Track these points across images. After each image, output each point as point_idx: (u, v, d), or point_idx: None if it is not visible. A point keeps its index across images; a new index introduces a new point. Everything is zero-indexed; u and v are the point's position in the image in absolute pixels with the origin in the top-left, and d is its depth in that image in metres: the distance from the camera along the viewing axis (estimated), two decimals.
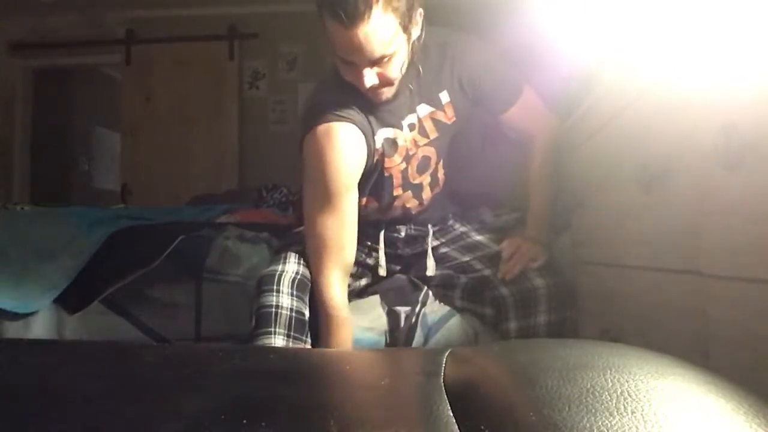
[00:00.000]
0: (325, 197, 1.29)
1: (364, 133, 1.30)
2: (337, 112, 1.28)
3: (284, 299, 1.28)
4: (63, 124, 5.07)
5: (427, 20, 1.36)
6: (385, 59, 1.18)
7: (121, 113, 4.18)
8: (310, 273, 1.34)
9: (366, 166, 1.34)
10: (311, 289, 1.34)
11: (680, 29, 0.77)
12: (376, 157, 1.36)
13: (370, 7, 1.10)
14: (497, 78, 1.38)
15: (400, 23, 1.16)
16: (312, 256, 1.34)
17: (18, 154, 4.22)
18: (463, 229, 1.54)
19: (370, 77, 1.20)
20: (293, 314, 1.28)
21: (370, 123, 1.32)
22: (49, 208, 2.53)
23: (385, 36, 1.14)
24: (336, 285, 1.31)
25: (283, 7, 3.75)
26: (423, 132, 1.38)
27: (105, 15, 4.00)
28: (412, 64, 1.30)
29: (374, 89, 1.23)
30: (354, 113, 1.29)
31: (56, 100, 4.84)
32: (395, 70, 1.22)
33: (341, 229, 1.30)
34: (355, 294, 1.54)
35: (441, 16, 1.97)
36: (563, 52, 1.48)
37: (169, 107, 3.97)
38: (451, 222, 1.56)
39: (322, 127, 1.28)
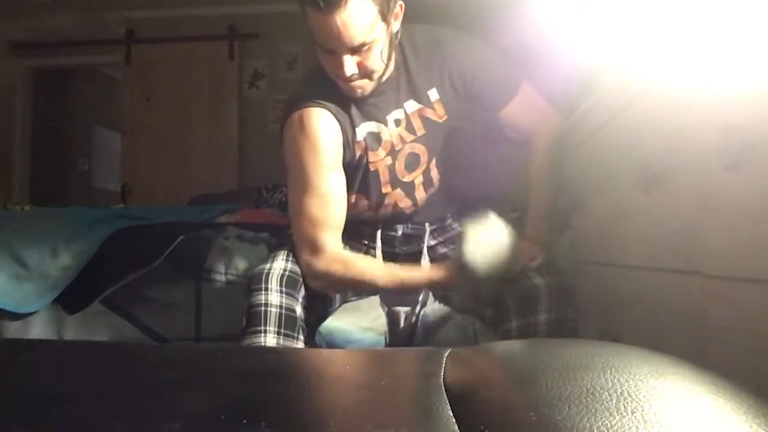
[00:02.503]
0: (306, 179, 1.29)
1: (339, 120, 1.32)
2: (312, 100, 1.31)
3: (273, 297, 1.27)
4: (63, 124, 5.07)
5: (425, 19, 1.36)
6: (365, 48, 1.19)
7: (121, 113, 4.17)
8: (300, 266, 1.33)
9: (346, 156, 1.34)
10: (305, 284, 1.34)
11: (680, 30, 0.77)
12: (359, 152, 1.36)
13: None
14: (492, 74, 1.37)
15: (379, 11, 1.17)
16: (300, 239, 1.32)
17: (18, 154, 4.22)
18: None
19: (349, 65, 1.21)
20: (283, 311, 1.27)
21: (350, 115, 1.33)
22: (49, 208, 2.53)
23: (363, 23, 1.16)
24: (333, 242, 1.30)
25: (283, 7, 3.74)
26: (410, 128, 1.38)
27: (105, 15, 4.00)
28: (398, 58, 1.31)
29: (353, 80, 1.24)
30: (329, 101, 1.31)
31: (56, 100, 4.84)
32: (374, 60, 1.23)
33: (326, 206, 1.29)
34: (351, 292, 1.54)
35: (441, 15, 1.97)
36: (563, 52, 1.48)
37: (169, 107, 3.96)
38: (449, 221, 1.56)
39: (297, 114, 1.31)
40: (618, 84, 1.06)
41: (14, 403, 0.44)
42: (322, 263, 1.30)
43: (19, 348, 0.70)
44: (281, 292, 1.29)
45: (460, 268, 1.17)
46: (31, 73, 4.32)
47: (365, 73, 1.24)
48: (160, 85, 3.98)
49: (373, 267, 1.33)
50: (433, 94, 1.36)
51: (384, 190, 1.42)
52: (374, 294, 1.53)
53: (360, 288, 1.36)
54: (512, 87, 1.39)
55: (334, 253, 1.30)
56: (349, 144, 1.34)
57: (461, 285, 1.23)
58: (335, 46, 1.18)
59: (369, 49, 1.20)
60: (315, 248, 1.30)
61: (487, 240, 1.15)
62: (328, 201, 1.30)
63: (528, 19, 1.84)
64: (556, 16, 1.57)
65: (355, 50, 1.19)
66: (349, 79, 1.23)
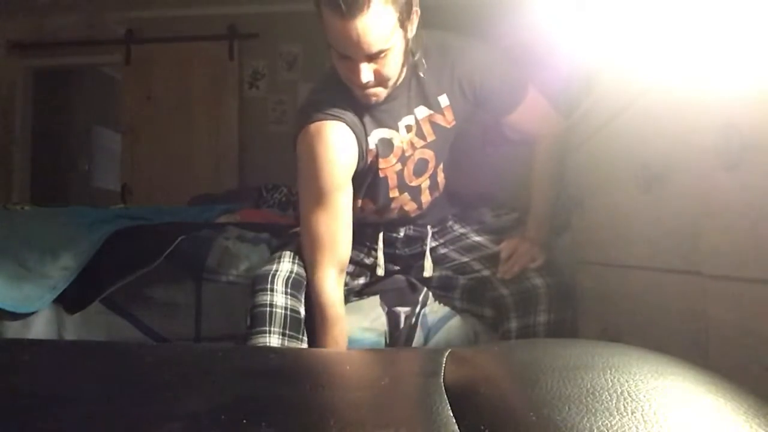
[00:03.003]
0: (318, 195, 1.29)
1: (355, 133, 1.30)
2: (329, 111, 1.29)
3: (278, 298, 1.28)
4: (63, 124, 5.07)
5: (428, 21, 1.35)
6: (382, 55, 1.17)
7: (121, 113, 4.17)
8: (306, 271, 1.34)
9: (358, 165, 1.34)
10: (307, 288, 1.34)
11: (680, 29, 0.77)
12: (370, 158, 1.36)
13: None
14: (500, 80, 1.37)
15: (398, 18, 1.15)
16: (306, 254, 1.34)
17: (18, 154, 4.22)
18: (462, 230, 1.54)
19: (366, 73, 1.19)
20: (288, 312, 1.27)
21: (363, 123, 1.32)
22: (49, 208, 2.53)
23: (383, 29, 1.14)
24: (330, 282, 1.31)
25: (283, 7, 3.74)
26: (420, 134, 1.37)
27: (105, 15, 4.00)
28: (410, 64, 1.30)
29: (369, 87, 1.23)
30: (346, 112, 1.29)
31: (56, 100, 4.84)
32: (391, 67, 1.21)
33: (334, 226, 1.30)
34: (353, 293, 1.54)
35: (441, 16, 1.97)
36: (563, 53, 1.48)
37: (169, 107, 3.96)
38: (450, 223, 1.56)
39: (313, 126, 1.28)
40: (618, 84, 1.06)
41: (14, 403, 0.44)
42: (314, 284, 1.31)
43: (19, 348, 0.70)
44: (286, 293, 1.29)
45: None
46: (31, 73, 4.32)
47: (381, 80, 1.22)
48: (160, 85, 3.98)
49: (334, 336, 1.30)
50: (444, 100, 1.35)
51: (391, 195, 1.42)
52: None
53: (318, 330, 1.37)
54: (521, 92, 1.38)
55: (329, 293, 1.30)
56: (363, 155, 1.33)
57: None
58: (353, 52, 1.16)
59: (386, 56, 1.18)
60: (314, 268, 1.31)
61: None
62: (337, 218, 1.30)
63: (528, 20, 1.84)
64: (556, 16, 1.57)
65: (373, 57, 1.17)
66: (365, 86, 1.22)
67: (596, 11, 1.26)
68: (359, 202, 1.41)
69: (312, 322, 1.35)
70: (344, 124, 1.29)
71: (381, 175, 1.38)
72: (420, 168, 1.41)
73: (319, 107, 1.30)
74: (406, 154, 1.38)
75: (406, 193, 1.43)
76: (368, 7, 1.09)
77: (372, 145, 1.34)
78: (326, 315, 1.30)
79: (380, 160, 1.36)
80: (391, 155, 1.37)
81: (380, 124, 1.34)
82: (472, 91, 1.35)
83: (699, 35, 0.71)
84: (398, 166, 1.38)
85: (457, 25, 1.50)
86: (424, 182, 1.44)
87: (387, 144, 1.35)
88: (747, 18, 0.60)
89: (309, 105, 1.33)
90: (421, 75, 1.32)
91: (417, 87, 1.33)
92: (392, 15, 1.14)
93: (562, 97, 1.46)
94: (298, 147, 1.32)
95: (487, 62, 1.36)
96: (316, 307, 1.31)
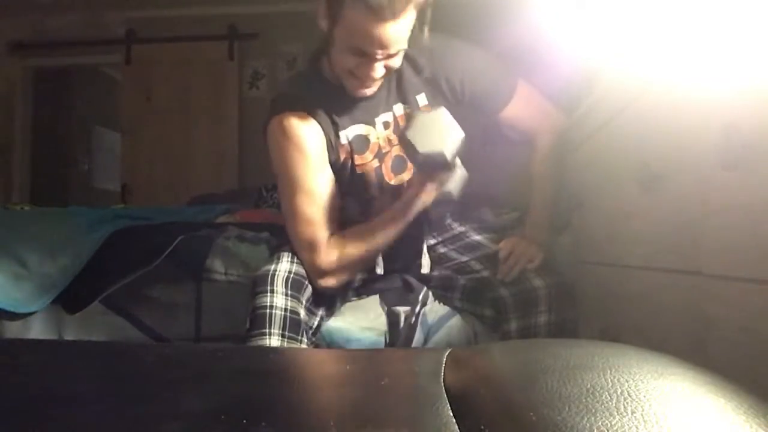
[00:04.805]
0: (294, 181, 1.31)
1: (319, 123, 1.33)
2: (292, 103, 1.32)
3: (278, 299, 1.27)
4: (63, 124, 5.07)
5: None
6: (396, 53, 1.21)
7: (121, 113, 4.17)
8: (305, 268, 1.34)
9: (330, 158, 1.36)
10: (311, 285, 1.34)
11: (680, 29, 0.77)
12: (343, 155, 1.37)
13: (410, 2, 1.13)
14: (484, 79, 1.38)
15: (417, 18, 1.20)
16: (298, 241, 1.34)
17: (18, 154, 4.22)
18: (461, 228, 1.54)
19: (380, 68, 1.23)
20: (287, 314, 1.27)
21: (337, 118, 1.34)
22: (49, 208, 2.53)
23: (406, 32, 1.18)
24: (329, 233, 1.33)
25: (283, 7, 3.74)
26: (397, 131, 1.39)
27: (105, 15, 4.00)
28: None
29: (377, 81, 1.26)
30: (311, 104, 1.33)
31: (56, 100, 4.84)
32: (397, 62, 1.25)
33: (317, 205, 1.32)
34: (352, 292, 1.54)
35: (441, 15, 1.96)
36: (564, 53, 1.48)
37: (169, 107, 3.96)
38: (449, 221, 1.56)
39: (275, 119, 1.32)
40: (618, 84, 1.06)
41: (14, 403, 0.44)
42: (323, 257, 1.31)
43: (19, 348, 0.70)
44: (286, 294, 1.29)
45: (407, 146, 1.22)
46: (31, 73, 4.32)
47: (386, 74, 1.26)
48: (160, 85, 3.98)
49: (362, 232, 1.35)
50: (422, 99, 1.37)
51: (372, 193, 1.42)
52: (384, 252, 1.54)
53: (368, 258, 1.38)
54: (507, 90, 1.39)
55: (329, 242, 1.32)
56: (332, 146, 1.35)
57: (420, 168, 1.29)
58: (375, 51, 1.19)
59: (398, 53, 1.22)
60: (313, 246, 1.31)
61: (431, 121, 1.20)
62: (318, 198, 1.32)
63: (529, 20, 1.84)
64: (557, 16, 1.57)
65: (391, 55, 1.21)
66: (374, 80, 1.25)
67: (596, 11, 1.27)
68: (341, 200, 1.42)
69: (315, 318, 1.35)
70: (306, 114, 1.32)
71: (359, 171, 1.39)
72: (398, 165, 1.42)
73: (285, 99, 1.34)
74: (383, 151, 1.39)
75: (387, 192, 1.43)
76: (404, 12, 1.13)
77: (344, 141, 1.35)
78: (342, 241, 1.32)
79: (356, 156, 1.37)
80: (367, 152, 1.38)
81: (356, 120, 1.36)
82: (453, 92, 1.37)
83: (699, 35, 0.71)
84: (375, 163, 1.40)
85: (457, 25, 1.50)
86: (406, 181, 1.44)
87: (362, 140, 1.37)
88: (747, 18, 0.60)
89: (276, 99, 1.37)
90: (401, 73, 1.35)
91: (396, 85, 1.36)
92: (413, 17, 1.18)
93: (562, 96, 1.46)
94: (269, 142, 1.36)
95: (469, 62, 1.38)
96: (337, 255, 1.32)
